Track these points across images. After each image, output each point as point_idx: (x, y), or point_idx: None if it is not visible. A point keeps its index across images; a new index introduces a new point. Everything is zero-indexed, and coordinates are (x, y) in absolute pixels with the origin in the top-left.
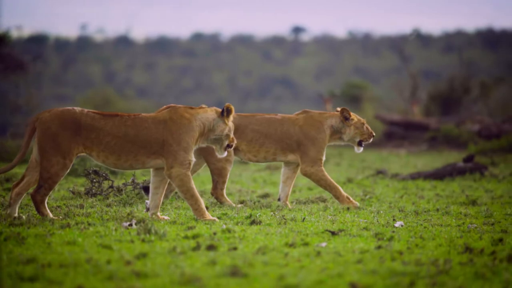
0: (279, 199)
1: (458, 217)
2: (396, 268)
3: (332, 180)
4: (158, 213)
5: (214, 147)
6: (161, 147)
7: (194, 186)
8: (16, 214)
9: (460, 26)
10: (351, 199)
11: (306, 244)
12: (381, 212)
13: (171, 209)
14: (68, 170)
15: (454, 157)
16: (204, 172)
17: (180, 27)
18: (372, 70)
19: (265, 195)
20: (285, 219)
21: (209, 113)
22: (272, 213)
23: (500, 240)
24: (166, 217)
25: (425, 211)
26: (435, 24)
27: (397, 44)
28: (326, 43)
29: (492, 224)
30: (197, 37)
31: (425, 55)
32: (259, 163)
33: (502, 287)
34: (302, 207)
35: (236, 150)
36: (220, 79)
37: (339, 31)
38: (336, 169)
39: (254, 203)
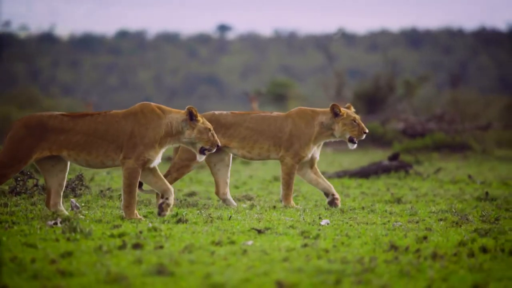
0: (326, 196)
1: (383, 215)
2: (322, 266)
3: (293, 182)
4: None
5: (192, 149)
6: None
7: (137, 185)
8: (66, 212)
9: (384, 26)
10: (294, 205)
11: (232, 242)
12: (307, 210)
13: (96, 208)
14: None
15: (379, 155)
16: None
17: (105, 25)
18: (297, 68)
19: (192, 194)
20: (211, 217)
21: (180, 114)
22: (198, 211)
23: (425, 238)
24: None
25: (350, 209)
26: (360, 23)
27: (322, 43)
28: (251, 41)
29: (417, 222)
30: (123, 34)
31: (350, 54)
32: (253, 160)
33: (426, 284)
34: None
35: (227, 147)
36: (146, 77)
37: (265, 29)
38: (262, 167)
39: (181, 201)
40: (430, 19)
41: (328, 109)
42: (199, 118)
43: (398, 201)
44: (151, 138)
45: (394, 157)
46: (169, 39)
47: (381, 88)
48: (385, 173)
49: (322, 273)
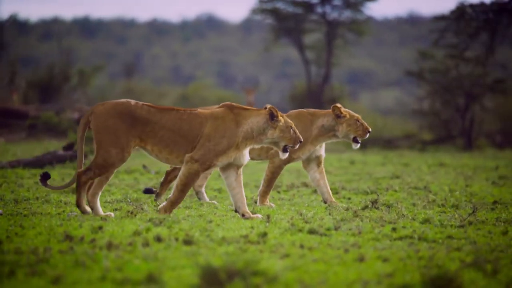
0: (325, 202)
1: (59, 205)
2: None
3: (274, 182)
4: (246, 209)
5: (275, 148)
6: None
7: (191, 187)
8: (103, 213)
9: (57, 14)
10: (268, 203)
11: None
12: None
13: None
14: (124, 163)
15: (54, 145)
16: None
17: None
18: None
19: None
20: None
21: (261, 116)
22: None
23: (100, 228)
24: (259, 216)
25: (25, 200)
26: (32, 11)
27: None
28: None
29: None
30: None
31: (23, 42)
32: (254, 160)
33: (101, 274)
34: None
35: None
36: None
37: None
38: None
39: None
40: (103, 10)
41: (329, 111)
42: (279, 117)
43: (74, 191)
44: (224, 147)
45: (69, 147)
46: None
47: (56, 77)
48: (60, 163)
49: None
